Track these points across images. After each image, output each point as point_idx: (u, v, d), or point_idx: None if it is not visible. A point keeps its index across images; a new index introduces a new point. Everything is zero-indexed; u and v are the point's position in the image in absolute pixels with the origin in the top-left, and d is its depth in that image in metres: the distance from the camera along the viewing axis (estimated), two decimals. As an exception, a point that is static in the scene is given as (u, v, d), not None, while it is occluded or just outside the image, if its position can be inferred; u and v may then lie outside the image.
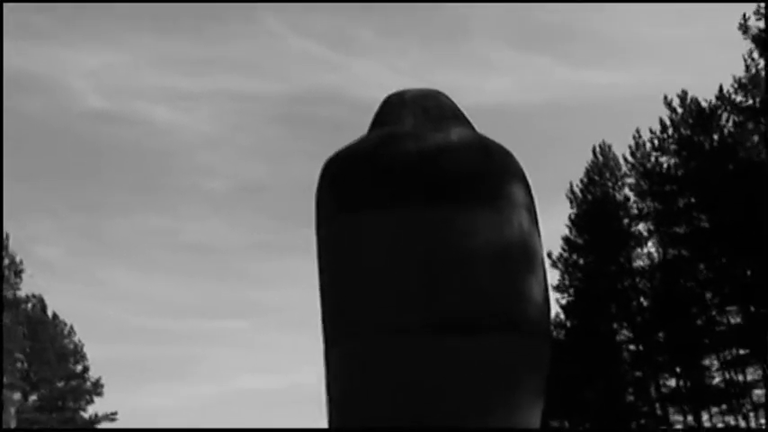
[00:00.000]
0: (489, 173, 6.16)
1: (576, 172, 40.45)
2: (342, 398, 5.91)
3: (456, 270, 5.75)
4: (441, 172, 6.06)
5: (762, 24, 21.77)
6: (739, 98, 29.58)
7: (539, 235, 6.30)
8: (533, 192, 6.46)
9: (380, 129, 6.67)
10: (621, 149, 38.20)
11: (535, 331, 5.81)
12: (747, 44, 31.18)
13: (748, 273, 29.51)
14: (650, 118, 34.14)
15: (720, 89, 30.50)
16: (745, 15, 22.05)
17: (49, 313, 46.26)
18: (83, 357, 46.24)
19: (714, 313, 32.59)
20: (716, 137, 29.84)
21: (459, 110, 6.84)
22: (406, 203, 5.96)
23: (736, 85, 29.17)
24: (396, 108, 6.81)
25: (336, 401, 5.94)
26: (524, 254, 5.99)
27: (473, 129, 6.68)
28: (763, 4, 21.47)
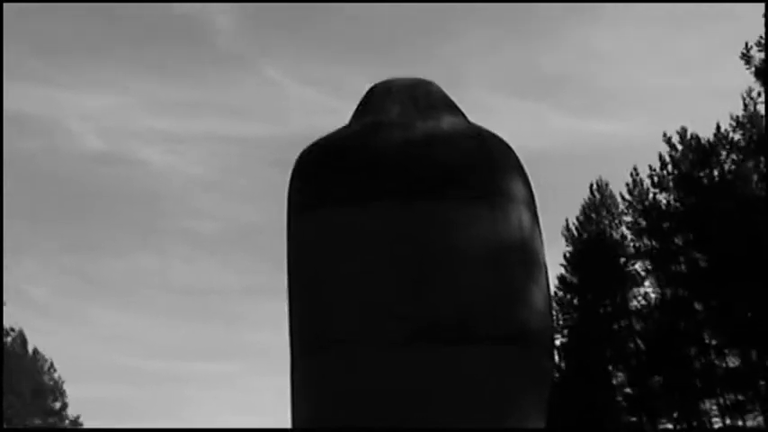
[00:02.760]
0: (484, 164, 5.40)
1: (570, 216, 39.51)
2: (309, 419, 5.06)
3: (444, 272, 4.95)
4: (429, 162, 5.30)
5: (763, 55, 21.43)
6: (737, 137, 29.14)
7: (540, 235, 5.52)
8: (533, 189, 5.71)
9: (362, 118, 5.93)
10: (617, 192, 37.64)
11: (535, 343, 4.99)
12: (746, 82, 30.90)
13: (748, 314, 28.65)
14: (646, 164, 33.52)
15: (718, 127, 30.12)
16: (747, 45, 21.74)
17: (30, 349, 45.14)
18: (62, 394, 44.90)
19: (713, 356, 31.67)
20: (716, 173, 29.34)
21: (450, 100, 6.11)
22: (387, 197, 5.18)
23: (733, 123, 28.78)
24: (381, 97, 6.07)
25: (303, 421, 5.09)
26: (524, 255, 5.19)
27: (466, 119, 5.95)
28: (763, 34, 21.19)
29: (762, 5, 21.79)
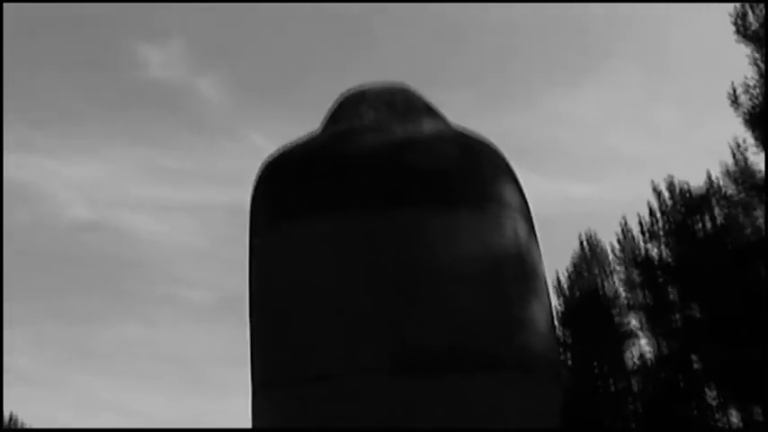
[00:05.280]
0: (470, 168, 4.72)
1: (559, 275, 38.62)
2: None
3: (430, 289, 4.22)
4: (409, 168, 4.63)
5: (748, 101, 20.89)
6: (729, 191, 28.67)
7: (538, 246, 4.81)
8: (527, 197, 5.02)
9: (334, 125, 5.29)
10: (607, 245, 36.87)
11: (539, 367, 4.23)
12: (733, 131, 30.60)
13: (749, 369, 27.74)
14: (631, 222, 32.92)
15: (709, 176, 29.72)
16: (733, 86, 21.22)
17: (6, 415, 43.57)
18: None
19: (714, 413, 30.62)
20: (708, 224, 28.87)
21: (430, 104, 5.49)
22: (361, 206, 4.50)
23: (724, 175, 28.39)
24: (354, 103, 5.44)
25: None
26: (521, 268, 4.47)
27: (449, 123, 5.32)
28: (750, 75, 20.75)
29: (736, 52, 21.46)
